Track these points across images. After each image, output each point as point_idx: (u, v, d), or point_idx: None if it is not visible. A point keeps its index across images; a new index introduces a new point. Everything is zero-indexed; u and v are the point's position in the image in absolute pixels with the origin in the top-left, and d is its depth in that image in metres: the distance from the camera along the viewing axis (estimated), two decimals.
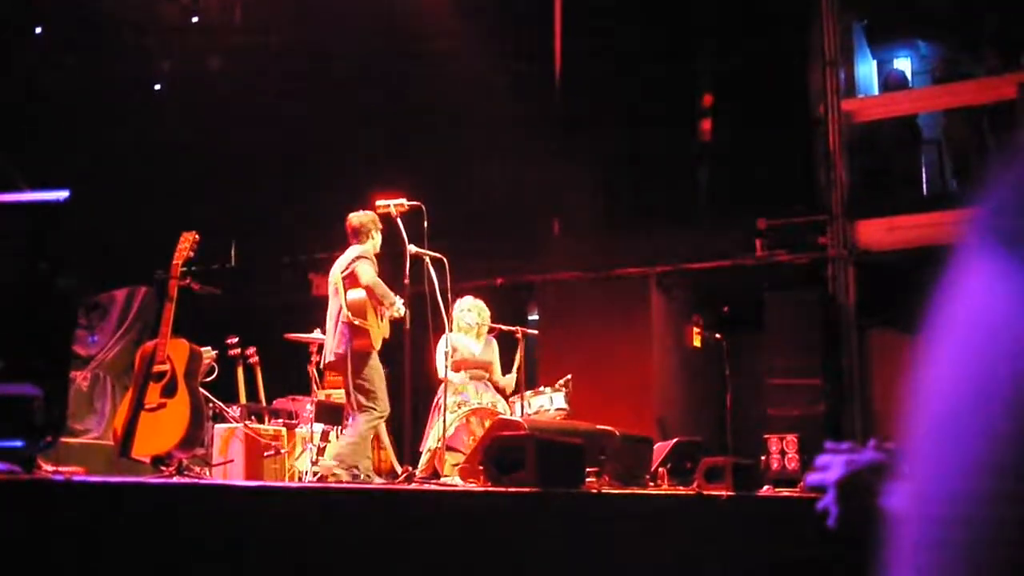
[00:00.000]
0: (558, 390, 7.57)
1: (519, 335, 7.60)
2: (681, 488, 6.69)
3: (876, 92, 11.17)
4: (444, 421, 6.64)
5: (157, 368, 6.03)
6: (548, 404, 7.49)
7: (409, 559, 3.81)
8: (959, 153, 10.53)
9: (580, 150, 10.33)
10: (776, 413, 9.33)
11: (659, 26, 10.39)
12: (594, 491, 5.48)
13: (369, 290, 6.48)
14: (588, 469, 5.73)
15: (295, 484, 6.23)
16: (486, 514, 4.35)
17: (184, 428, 5.89)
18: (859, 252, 9.67)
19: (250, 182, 11.54)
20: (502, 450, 4.94)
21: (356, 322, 6.47)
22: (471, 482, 5.81)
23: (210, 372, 7.28)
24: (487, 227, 10.70)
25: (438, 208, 6.93)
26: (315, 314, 7.46)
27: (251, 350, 8.41)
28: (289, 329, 7.90)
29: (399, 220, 6.60)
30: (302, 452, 7.37)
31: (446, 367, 6.94)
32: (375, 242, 6.75)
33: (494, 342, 7.81)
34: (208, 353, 6.97)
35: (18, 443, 2.89)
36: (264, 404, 8.32)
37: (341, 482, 6.12)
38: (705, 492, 6.03)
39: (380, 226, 6.79)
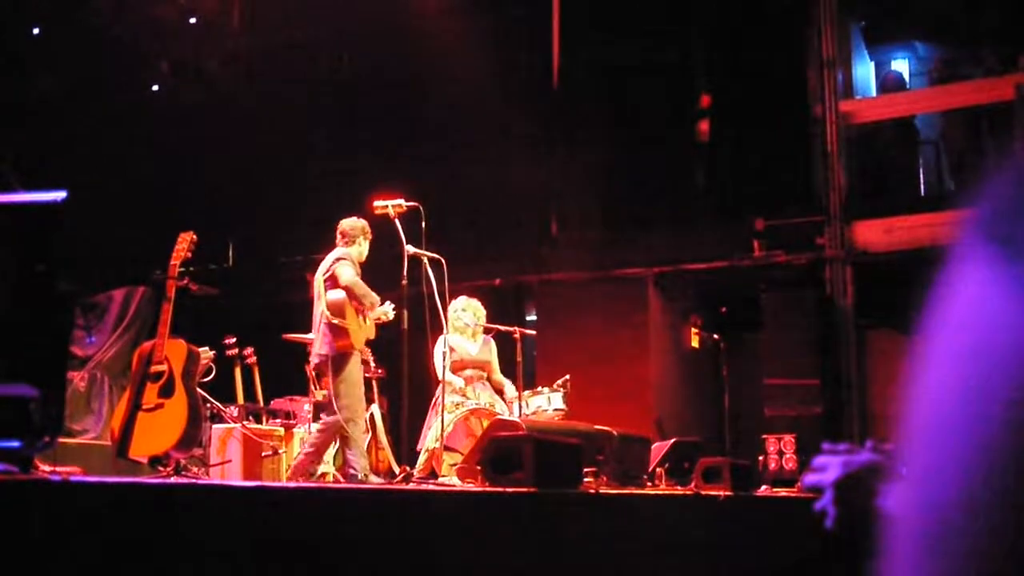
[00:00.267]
0: (556, 390, 7.57)
1: (517, 335, 7.60)
2: (679, 488, 6.70)
3: (874, 93, 11.18)
4: (442, 421, 6.64)
5: (154, 368, 6.02)
6: (546, 404, 7.49)
7: (407, 559, 3.80)
8: (957, 154, 10.54)
9: (578, 151, 10.34)
10: (774, 413, 9.34)
11: (658, 28, 10.39)
12: (592, 491, 5.47)
13: (348, 290, 6.50)
14: (586, 469, 5.73)
15: (293, 484, 6.22)
16: (484, 514, 4.35)
17: (181, 428, 5.89)
18: (857, 253, 9.68)
19: (247, 183, 11.54)
20: (500, 450, 4.94)
21: (335, 321, 6.49)
22: (469, 482, 5.80)
23: (208, 372, 7.27)
24: (485, 228, 10.71)
25: (436, 209, 6.94)
26: (312, 314, 7.46)
27: (249, 350, 8.41)
28: (287, 329, 7.90)
29: (397, 221, 6.60)
30: (300, 452, 7.36)
31: (444, 368, 6.94)
32: (361, 249, 6.81)
33: (492, 342, 7.81)
34: (206, 353, 6.96)
35: (15, 443, 2.89)
36: (262, 404, 8.31)
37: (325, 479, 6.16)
38: (703, 492, 6.03)
39: (369, 235, 6.85)
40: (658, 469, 7.17)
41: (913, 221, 9.36)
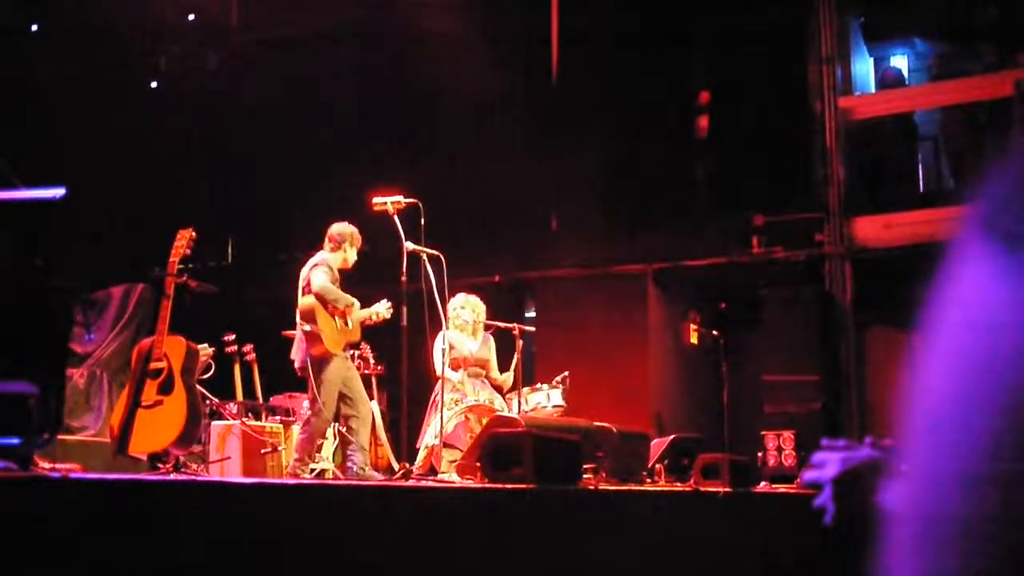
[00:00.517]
0: (555, 387, 7.57)
1: (516, 332, 7.60)
2: (678, 485, 6.70)
3: (873, 89, 11.18)
4: (442, 418, 6.64)
5: (154, 365, 6.02)
6: (545, 401, 7.49)
7: (406, 556, 3.81)
8: (956, 150, 10.54)
9: (577, 147, 10.32)
10: (773, 410, 9.34)
11: (656, 23, 10.38)
12: (591, 488, 5.48)
13: (319, 296, 6.51)
14: (585, 466, 5.73)
15: (292, 481, 6.23)
16: (483, 511, 4.35)
17: (181, 425, 5.89)
18: (856, 249, 9.68)
19: (247, 179, 11.53)
20: (499, 447, 4.94)
21: (306, 327, 6.50)
22: (468, 479, 5.81)
23: (207, 369, 7.27)
24: (485, 224, 10.70)
25: (436, 205, 6.93)
26: None
27: (248, 347, 8.40)
28: (286, 326, 7.89)
29: (396, 217, 6.60)
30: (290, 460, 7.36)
31: (443, 364, 6.94)
32: (346, 255, 6.81)
33: (491, 339, 7.81)
34: (205, 350, 6.96)
35: (15, 440, 2.89)
36: (261, 401, 8.31)
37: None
38: (702, 489, 6.03)
39: (357, 242, 6.86)
40: (657, 466, 7.17)
41: (912, 217, 9.37)
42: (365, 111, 11.28)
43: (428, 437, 7.06)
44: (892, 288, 8.80)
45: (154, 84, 11.78)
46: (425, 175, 9.04)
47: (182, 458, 6.04)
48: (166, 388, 5.98)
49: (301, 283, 6.70)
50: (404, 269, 6.48)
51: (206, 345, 7.05)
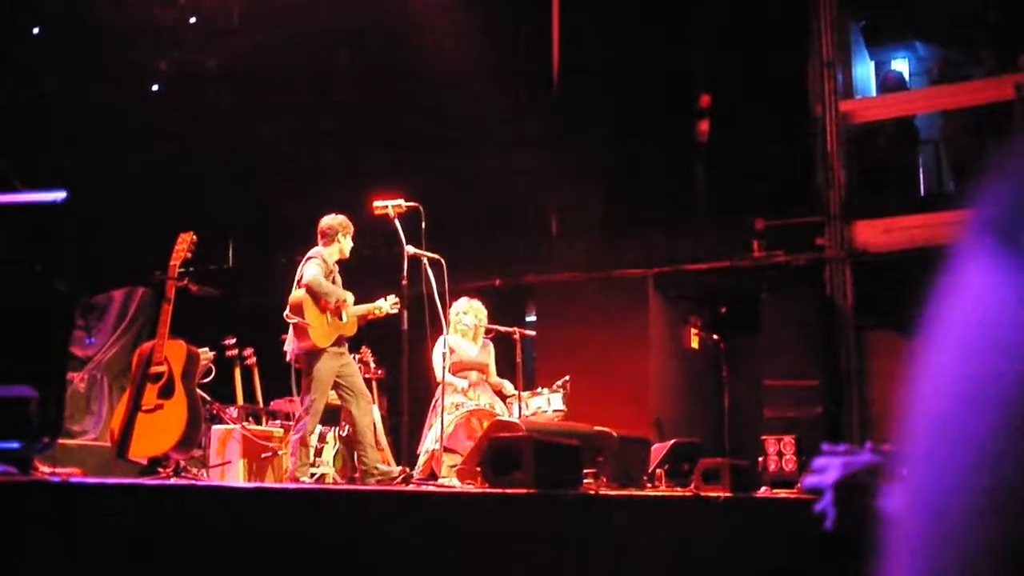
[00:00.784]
0: (556, 391, 7.56)
1: (517, 336, 7.60)
2: (679, 489, 6.69)
3: (874, 93, 11.18)
4: (442, 422, 6.63)
5: (154, 369, 6.02)
6: (546, 405, 7.49)
7: (406, 560, 3.80)
8: (957, 154, 10.54)
9: (578, 151, 10.33)
10: (773, 414, 9.33)
11: (657, 27, 10.39)
12: (591, 492, 5.47)
13: (309, 289, 6.47)
14: (586, 470, 5.73)
15: (292, 485, 6.22)
16: (483, 515, 4.35)
17: (181, 429, 5.89)
18: (857, 253, 9.68)
19: (247, 183, 11.54)
20: (499, 451, 4.94)
21: (294, 320, 6.48)
22: (469, 483, 5.80)
23: (207, 373, 7.27)
24: (485, 228, 10.70)
25: (436, 209, 6.93)
26: None
27: (248, 351, 8.40)
28: (286, 330, 7.89)
29: (397, 221, 6.60)
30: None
31: (444, 369, 6.93)
32: (341, 246, 6.72)
33: (491, 344, 7.81)
34: (205, 354, 6.96)
35: (15, 444, 2.88)
36: (261, 405, 8.30)
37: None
38: (702, 493, 6.02)
39: (350, 231, 6.77)
40: (657, 470, 7.17)
41: (913, 221, 9.36)
42: (366, 114, 11.28)
43: (428, 442, 7.05)
44: (893, 292, 8.81)
45: (155, 87, 11.79)
46: (426, 179, 9.04)
47: (182, 462, 6.03)
48: (166, 392, 5.98)
49: (296, 277, 6.67)
50: (405, 273, 6.47)
51: (207, 349, 7.05)
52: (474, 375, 7.54)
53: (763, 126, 10.12)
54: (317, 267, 6.54)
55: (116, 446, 5.92)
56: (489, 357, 7.75)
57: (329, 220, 6.79)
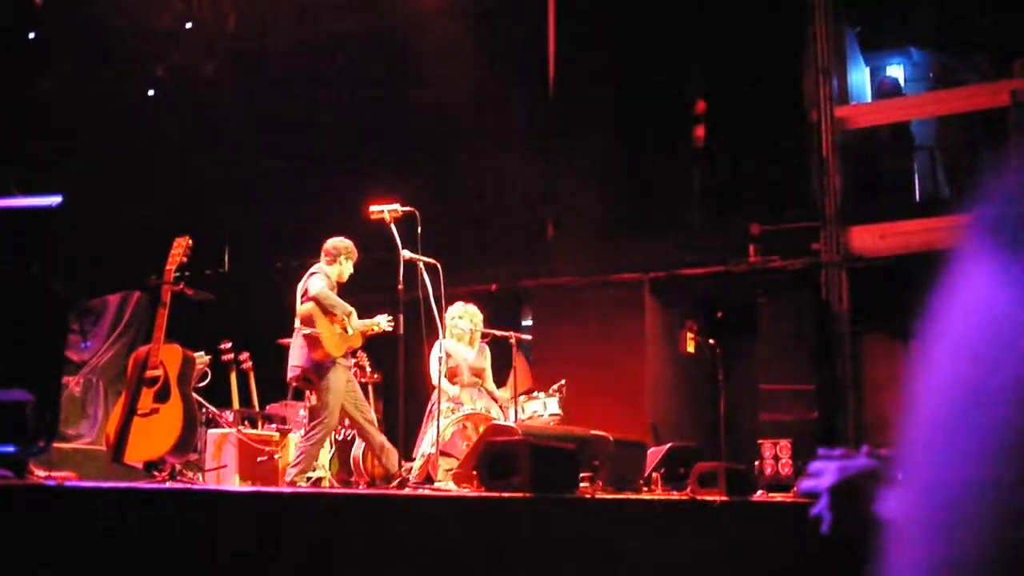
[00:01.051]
0: (552, 395, 7.56)
1: (513, 341, 7.60)
2: (675, 493, 6.69)
3: (869, 99, 11.21)
4: (438, 426, 6.63)
5: (150, 373, 6.01)
6: (542, 409, 7.48)
7: (403, 564, 3.80)
8: (952, 159, 10.56)
9: (575, 156, 10.34)
10: (769, 418, 9.34)
11: (654, 32, 10.40)
12: (588, 496, 5.47)
13: (316, 301, 6.53)
14: (582, 474, 5.72)
15: (288, 489, 6.22)
16: (479, 519, 4.35)
17: (177, 433, 5.88)
18: (852, 258, 9.70)
19: (244, 187, 11.53)
20: (496, 455, 4.94)
21: (305, 331, 6.51)
22: (465, 487, 5.80)
23: (203, 377, 7.26)
24: (481, 232, 10.70)
25: (432, 213, 6.93)
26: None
27: (244, 355, 8.40)
28: (282, 335, 7.89)
29: (393, 226, 6.60)
30: (291, 464, 7.35)
31: (440, 373, 6.94)
32: (342, 268, 6.84)
33: (487, 349, 7.81)
34: (201, 358, 6.96)
35: (10, 448, 2.88)
36: (257, 409, 8.30)
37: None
38: (699, 497, 6.02)
39: (353, 256, 6.90)
40: (654, 474, 7.16)
41: (908, 226, 9.38)
42: (362, 119, 11.29)
43: (425, 446, 7.05)
44: (888, 297, 8.82)
45: (151, 92, 11.78)
46: (422, 183, 9.05)
47: (178, 466, 6.03)
48: (162, 396, 5.97)
49: (299, 292, 6.72)
50: (401, 278, 6.48)
51: (202, 353, 7.04)
52: (466, 380, 7.55)
53: (759, 131, 10.14)
54: (322, 280, 6.61)
55: (112, 450, 5.91)
56: (485, 362, 7.75)
57: (335, 241, 6.89)
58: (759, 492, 7.34)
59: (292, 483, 6.46)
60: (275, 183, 11.45)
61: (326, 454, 7.49)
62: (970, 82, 10.11)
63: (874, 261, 9.60)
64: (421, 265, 6.58)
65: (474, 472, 5.14)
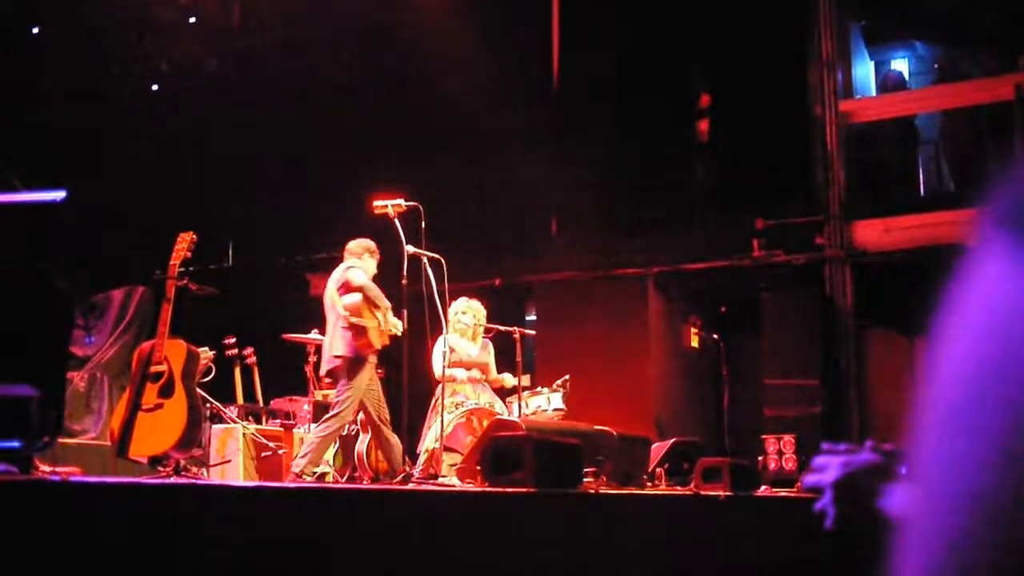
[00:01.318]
0: (556, 390, 7.56)
1: (517, 336, 7.60)
2: (679, 488, 6.69)
3: (874, 93, 11.18)
4: (442, 421, 6.64)
5: (154, 368, 6.02)
6: (546, 404, 7.49)
7: (406, 559, 3.80)
8: (957, 154, 10.53)
9: (578, 150, 10.33)
10: (773, 413, 9.33)
11: (657, 27, 10.39)
12: (592, 491, 5.47)
13: (363, 291, 6.52)
14: (586, 469, 5.73)
15: (292, 484, 6.22)
16: (483, 514, 4.35)
17: (181, 429, 5.89)
18: (856, 252, 9.68)
19: (247, 182, 11.54)
20: (499, 450, 4.94)
21: (353, 319, 6.49)
22: (469, 482, 5.80)
23: (207, 372, 7.27)
24: (485, 227, 10.70)
25: (436, 208, 6.93)
26: (313, 315, 7.46)
27: (248, 350, 8.41)
28: (286, 330, 7.90)
29: (397, 220, 6.60)
30: (299, 454, 7.35)
31: (443, 368, 6.94)
32: (365, 266, 6.81)
33: (490, 344, 7.81)
34: (205, 353, 6.97)
35: (15, 443, 2.89)
36: (262, 404, 8.31)
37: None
38: (702, 492, 6.03)
39: (376, 255, 6.88)
40: (658, 469, 7.17)
41: (913, 221, 9.36)
42: (366, 114, 11.29)
43: (428, 441, 7.06)
44: (892, 291, 8.82)
45: (155, 87, 11.79)
46: (425, 178, 9.04)
47: (182, 461, 6.03)
48: (166, 391, 5.97)
49: (334, 286, 6.67)
50: (404, 272, 6.48)
51: (207, 348, 7.06)
52: (475, 372, 7.56)
53: (763, 126, 10.12)
54: (363, 273, 6.61)
55: (116, 445, 5.92)
56: (489, 356, 7.75)
57: (357, 242, 6.90)
58: (763, 487, 7.34)
59: (299, 473, 6.46)
60: (279, 178, 11.45)
61: (330, 450, 7.49)
62: (975, 76, 10.09)
63: (878, 256, 9.58)
64: (425, 260, 6.58)
65: (478, 467, 5.14)
